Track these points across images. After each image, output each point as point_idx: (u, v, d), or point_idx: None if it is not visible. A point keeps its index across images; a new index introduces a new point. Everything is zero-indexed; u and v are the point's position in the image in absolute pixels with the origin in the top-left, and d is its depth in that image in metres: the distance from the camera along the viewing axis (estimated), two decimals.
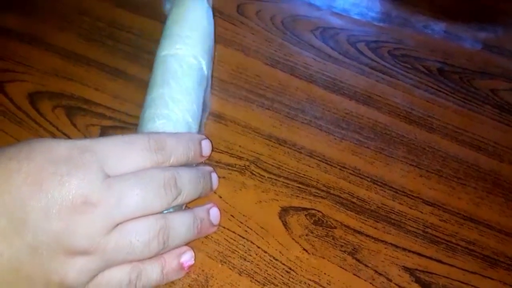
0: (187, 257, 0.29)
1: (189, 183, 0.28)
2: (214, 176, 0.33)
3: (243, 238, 0.32)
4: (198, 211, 0.30)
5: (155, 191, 0.26)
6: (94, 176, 0.24)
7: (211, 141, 0.33)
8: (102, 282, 0.25)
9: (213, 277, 0.30)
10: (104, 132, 0.37)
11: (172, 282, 0.30)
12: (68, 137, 0.37)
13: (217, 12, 0.46)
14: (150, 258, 0.27)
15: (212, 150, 0.36)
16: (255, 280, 0.30)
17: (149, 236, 0.26)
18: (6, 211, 0.23)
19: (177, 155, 0.29)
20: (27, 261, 0.23)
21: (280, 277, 0.31)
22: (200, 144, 0.31)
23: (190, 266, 0.30)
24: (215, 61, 0.42)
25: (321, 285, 0.30)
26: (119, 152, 0.26)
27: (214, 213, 0.31)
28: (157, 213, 0.26)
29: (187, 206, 0.32)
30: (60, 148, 0.25)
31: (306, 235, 0.33)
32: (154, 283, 0.27)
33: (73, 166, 0.24)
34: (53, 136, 0.37)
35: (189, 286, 0.30)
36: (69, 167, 0.24)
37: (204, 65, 0.36)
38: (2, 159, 0.24)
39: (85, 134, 0.37)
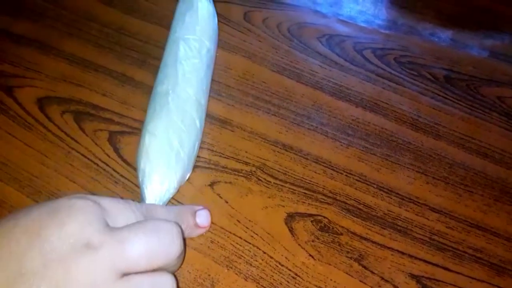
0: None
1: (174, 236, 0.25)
2: (207, 214, 0.31)
3: (249, 243, 0.32)
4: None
5: (158, 239, 0.24)
6: (95, 220, 0.22)
7: (209, 211, 0.32)
8: None
9: (219, 281, 0.30)
10: (112, 137, 0.38)
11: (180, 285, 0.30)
12: (76, 142, 0.37)
13: (224, 19, 0.47)
14: None
15: (219, 156, 0.37)
16: (261, 285, 0.30)
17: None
18: (2, 266, 0.21)
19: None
20: None
21: (286, 282, 0.30)
22: (193, 214, 0.30)
23: None
24: (222, 68, 0.43)
25: None
26: (119, 208, 0.25)
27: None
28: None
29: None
30: (59, 200, 0.23)
31: (312, 241, 0.33)
32: None
33: (74, 211, 0.22)
34: (61, 140, 0.37)
35: None
36: (69, 212, 0.22)
37: (212, 50, 0.40)
38: (1, 221, 0.23)
39: (93, 138, 0.37)
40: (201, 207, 0.31)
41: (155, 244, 0.23)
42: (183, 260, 0.28)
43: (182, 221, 0.29)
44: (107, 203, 0.24)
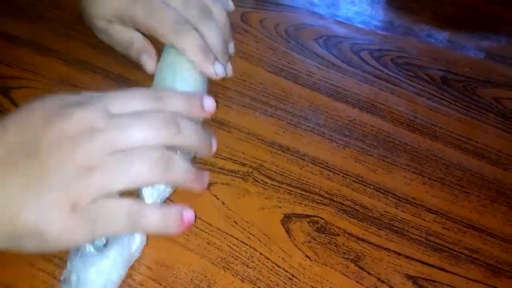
0: (189, 214, 0.29)
1: (188, 127, 0.29)
2: (214, 140, 0.33)
3: (246, 244, 0.32)
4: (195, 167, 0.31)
5: (154, 125, 0.27)
6: (99, 110, 0.27)
7: (215, 100, 0.32)
8: (103, 207, 0.26)
9: (215, 283, 0.30)
10: None
11: (176, 287, 0.30)
12: None
13: None
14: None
15: (216, 157, 0.37)
16: (258, 286, 0.30)
17: (151, 158, 0.27)
18: (20, 141, 0.26)
19: (176, 104, 0.30)
20: (35, 184, 0.25)
21: (283, 284, 0.31)
22: (201, 99, 0.32)
23: (190, 224, 0.29)
24: None
25: None
26: (122, 99, 0.29)
27: (206, 176, 0.32)
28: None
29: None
30: (68, 96, 0.28)
31: (309, 242, 0.33)
32: (152, 226, 0.28)
33: (80, 105, 0.27)
34: None
35: None
36: (77, 106, 0.27)
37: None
38: (19, 109, 0.27)
39: None
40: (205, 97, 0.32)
41: (152, 128, 0.27)
42: (204, 142, 0.31)
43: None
44: (114, 96, 0.28)
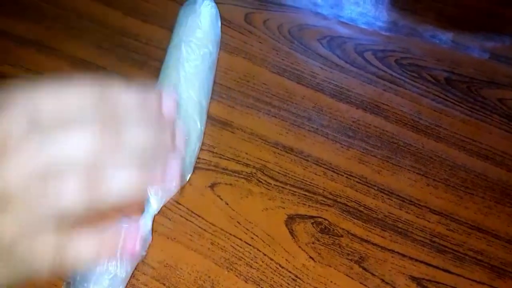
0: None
1: (135, 127, 0.22)
2: (179, 131, 0.24)
3: (249, 245, 0.32)
4: None
5: (88, 133, 0.20)
6: (19, 117, 0.20)
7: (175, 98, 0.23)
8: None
9: (219, 283, 0.30)
10: None
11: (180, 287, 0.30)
12: None
13: (225, 21, 0.47)
14: None
15: (219, 157, 0.37)
16: (261, 287, 0.30)
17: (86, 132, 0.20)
18: None
19: (123, 101, 0.22)
20: None
21: (286, 284, 0.30)
22: (158, 97, 0.23)
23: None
24: (223, 70, 0.43)
25: None
26: (55, 96, 0.21)
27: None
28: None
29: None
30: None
31: (313, 243, 0.32)
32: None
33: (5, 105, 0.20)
34: None
35: None
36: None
37: (214, 53, 0.40)
38: None
39: None
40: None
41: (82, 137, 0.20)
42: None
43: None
44: (46, 93, 0.21)
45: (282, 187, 0.35)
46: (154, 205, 0.31)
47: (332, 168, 0.37)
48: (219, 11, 0.44)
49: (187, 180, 0.34)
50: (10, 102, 0.20)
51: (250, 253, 0.32)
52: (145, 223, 0.30)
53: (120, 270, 0.28)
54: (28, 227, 0.20)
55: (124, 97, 0.22)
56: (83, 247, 0.21)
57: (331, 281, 0.31)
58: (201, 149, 0.36)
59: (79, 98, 0.21)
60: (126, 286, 0.29)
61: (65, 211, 0.20)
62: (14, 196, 0.19)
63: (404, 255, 0.32)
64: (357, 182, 0.36)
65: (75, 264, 0.21)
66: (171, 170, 0.23)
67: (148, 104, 0.23)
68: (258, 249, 0.32)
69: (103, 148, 0.21)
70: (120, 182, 0.21)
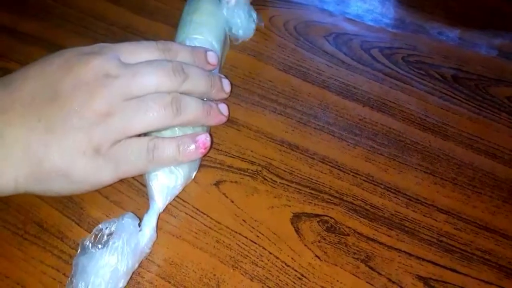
0: (202, 137, 0.31)
1: (195, 73, 0.32)
2: (226, 81, 0.35)
3: (255, 243, 0.32)
4: (207, 102, 0.33)
5: (165, 72, 0.30)
6: (113, 59, 0.29)
7: (217, 56, 0.36)
8: (123, 147, 0.29)
9: (224, 282, 0.30)
10: None
11: (184, 287, 0.30)
12: None
13: None
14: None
15: (224, 155, 0.36)
16: (267, 286, 0.30)
17: (164, 101, 0.29)
18: (41, 87, 0.28)
19: (181, 55, 0.32)
20: (58, 126, 0.27)
21: (292, 283, 0.30)
22: (205, 52, 0.34)
23: (206, 147, 0.31)
24: (228, 67, 0.42)
25: None
26: (132, 49, 0.31)
27: (222, 106, 0.35)
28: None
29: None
30: (84, 47, 0.30)
31: (319, 241, 0.32)
32: (169, 157, 0.30)
33: (96, 54, 0.29)
34: None
35: None
36: (92, 55, 0.29)
37: (219, 50, 0.39)
38: (39, 60, 0.30)
39: None
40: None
41: (162, 75, 0.30)
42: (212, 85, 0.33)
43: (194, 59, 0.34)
44: (125, 46, 0.31)
45: (288, 185, 0.35)
46: (160, 203, 0.31)
47: (338, 166, 0.36)
48: None
49: (193, 176, 0.34)
50: (102, 51, 0.30)
51: (256, 252, 0.32)
52: (150, 220, 0.30)
53: (121, 263, 0.27)
54: (124, 136, 0.29)
55: (181, 48, 0.33)
56: (167, 148, 0.30)
57: (337, 280, 0.31)
58: None
59: (149, 51, 0.31)
60: (130, 283, 0.29)
61: (153, 127, 0.30)
62: (115, 112, 0.28)
63: (411, 254, 0.32)
64: (363, 180, 0.36)
65: (164, 162, 0.30)
66: (221, 109, 0.34)
67: (198, 54, 0.34)
68: (263, 248, 0.32)
69: (176, 82, 0.30)
70: (193, 109, 0.31)
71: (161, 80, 0.30)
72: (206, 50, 0.35)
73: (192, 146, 0.31)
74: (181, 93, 0.31)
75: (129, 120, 0.28)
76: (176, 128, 0.32)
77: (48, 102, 0.28)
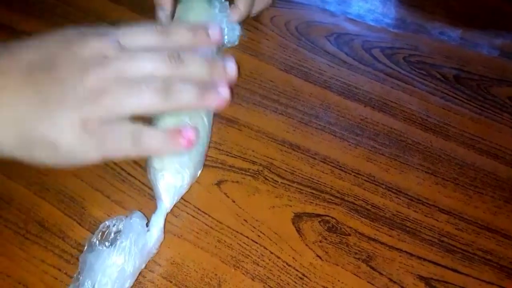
0: (189, 132, 0.29)
1: (193, 59, 0.31)
2: (230, 63, 0.32)
3: (256, 243, 0.32)
4: (205, 86, 0.32)
5: (161, 58, 0.30)
6: (112, 41, 0.29)
7: (222, 30, 0.35)
8: (111, 127, 0.28)
9: (225, 281, 0.30)
10: None
11: (186, 286, 0.30)
12: None
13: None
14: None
15: (226, 155, 0.36)
16: (268, 285, 0.30)
17: (156, 85, 0.29)
18: (38, 58, 0.28)
19: (181, 36, 0.32)
20: (50, 97, 0.27)
21: (293, 283, 0.30)
22: (205, 29, 0.33)
23: (191, 140, 0.29)
24: None
25: None
26: (132, 33, 0.31)
27: (223, 89, 0.31)
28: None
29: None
30: (86, 28, 0.31)
31: (320, 241, 0.32)
32: (153, 144, 0.29)
33: (96, 35, 0.29)
34: None
35: None
36: (93, 36, 0.29)
37: (214, 50, 0.39)
38: (40, 34, 0.30)
39: None
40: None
41: (158, 60, 0.30)
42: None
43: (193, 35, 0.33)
44: (125, 29, 0.31)
45: (289, 185, 0.35)
46: (167, 203, 0.31)
47: (340, 166, 0.36)
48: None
49: (198, 175, 0.34)
50: (102, 33, 0.30)
51: (257, 251, 0.32)
52: (158, 221, 0.30)
53: (128, 264, 0.27)
54: (114, 115, 0.28)
55: (180, 29, 0.32)
56: (153, 137, 0.29)
57: (338, 280, 0.31)
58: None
59: (147, 34, 0.31)
60: (132, 285, 0.29)
61: (143, 110, 0.29)
62: (107, 91, 0.28)
63: (412, 254, 0.32)
64: (364, 180, 0.36)
65: (149, 150, 0.30)
66: (221, 90, 0.31)
67: (199, 33, 0.32)
68: (265, 247, 0.32)
69: (171, 68, 0.30)
70: (185, 94, 0.30)
71: (156, 65, 0.30)
72: (206, 27, 0.33)
73: (178, 139, 0.29)
74: (179, 79, 0.30)
75: (119, 101, 0.28)
76: (181, 116, 0.33)
77: (44, 73, 0.28)
